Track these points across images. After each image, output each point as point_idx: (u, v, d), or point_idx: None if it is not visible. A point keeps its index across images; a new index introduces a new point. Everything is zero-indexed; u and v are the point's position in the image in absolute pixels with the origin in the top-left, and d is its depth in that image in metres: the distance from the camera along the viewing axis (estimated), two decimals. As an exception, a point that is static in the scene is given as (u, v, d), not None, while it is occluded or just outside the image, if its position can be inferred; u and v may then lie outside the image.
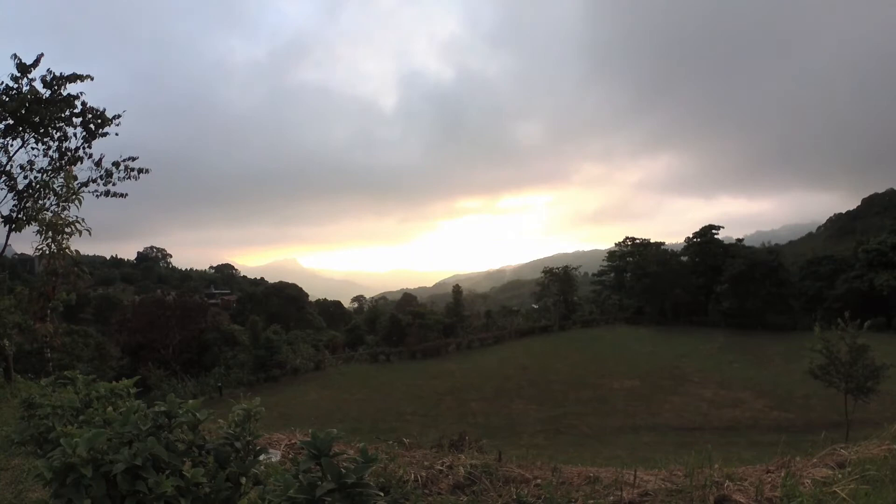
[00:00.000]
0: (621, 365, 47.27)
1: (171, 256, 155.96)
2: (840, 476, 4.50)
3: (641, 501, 4.52)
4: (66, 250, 10.36)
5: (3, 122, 11.33)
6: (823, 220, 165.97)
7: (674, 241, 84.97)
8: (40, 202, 11.38)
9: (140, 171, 12.34)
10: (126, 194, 12.25)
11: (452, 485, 4.88)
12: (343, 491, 2.25)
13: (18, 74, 11.27)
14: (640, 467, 5.27)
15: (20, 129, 11.43)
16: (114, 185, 12.15)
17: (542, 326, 69.40)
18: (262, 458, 3.16)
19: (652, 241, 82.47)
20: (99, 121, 11.95)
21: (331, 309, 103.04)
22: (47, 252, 10.26)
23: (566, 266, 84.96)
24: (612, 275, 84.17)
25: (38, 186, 11.53)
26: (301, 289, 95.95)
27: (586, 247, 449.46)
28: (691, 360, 48.41)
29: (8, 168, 11.61)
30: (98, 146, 12.13)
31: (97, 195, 11.98)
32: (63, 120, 11.67)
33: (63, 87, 11.49)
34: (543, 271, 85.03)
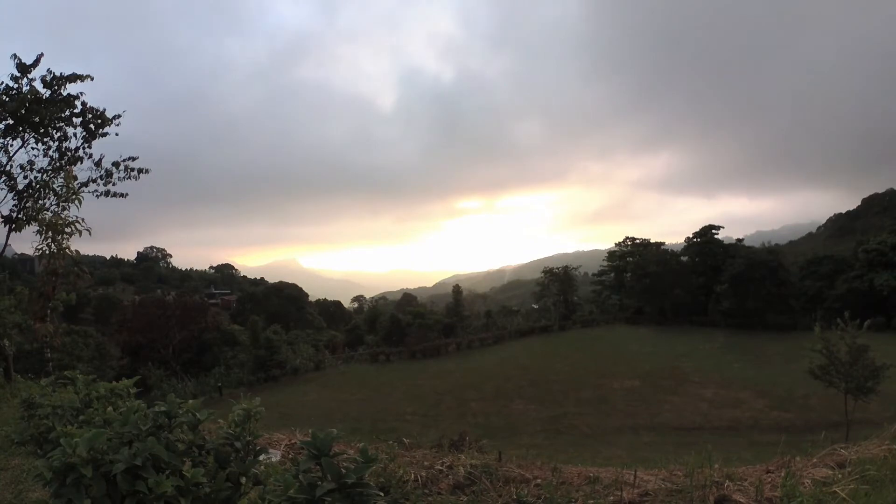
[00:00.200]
0: (621, 365, 47.25)
1: (171, 256, 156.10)
2: (840, 476, 4.50)
3: (641, 501, 4.52)
4: (66, 250, 10.38)
5: (3, 122, 11.33)
6: (823, 220, 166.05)
7: (674, 241, 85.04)
8: (40, 202, 11.39)
9: (140, 171, 12.34)
10: (126, 194, 12.25)
11: (452, 485, 4.88)
12: (343, 491, 2.25)
13: (18, 74, 11.27)
14: (640, 467, 5.27)
15: (20, 129, 11.43)
16: (114, 185, 12.15)
17: (542, 326, 69.37)
18: (262, 458, 3.16)
19: (652, 241, 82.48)
20: (99, 121, 11.95)
21: (331, 309, 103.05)
22: (47, 252, 10.27)
23: (566, 266, 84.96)
24: (612, 275, 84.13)
25: (38, 186, 11.53)
26: (301, 289, 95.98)
27: (586, 247, 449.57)
28: (691, 360, 48.39)
29: (8, 168, 11.61)
30: (98, 146, 12.14)
31: (97, 195, 11.98)
32: (63, 120, 11.67)
33: (63, 87, 11.49)
34: (543, 271, 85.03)
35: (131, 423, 2.74)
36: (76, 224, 10.36)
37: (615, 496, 4.59)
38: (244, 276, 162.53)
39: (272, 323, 63.50)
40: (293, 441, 6.10)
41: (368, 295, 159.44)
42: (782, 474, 4.67)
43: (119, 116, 12.16)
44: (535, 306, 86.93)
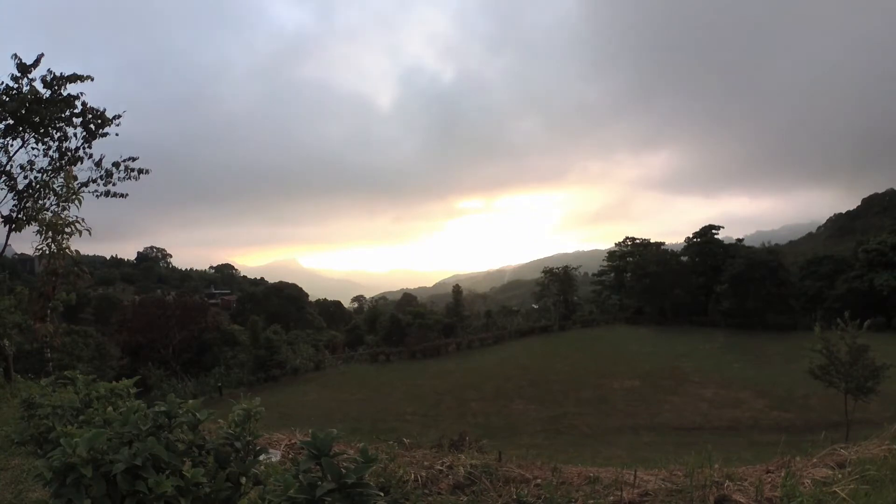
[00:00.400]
0: (621, 365, 47.24)
1: (171, 256, 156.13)
2: (840, 476, 4.50)
3: (641, 501, 4.52)
4: (66, 250, 10.38)
5: (4, 122, 11.33)
6: (823, 220, 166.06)
7: (674, 241, 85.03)
8: (40, 202, 11.39)
9: (140, 171, 12.34)
10: (126, 194, 12.26)
11: (452, 485, 4.88)
12: (343, 491, 2.25)
13: (19, 74, 11.27)
14: (640, 467, 5.27)
15: (20, 129, 11.43)
16: (114, 185, 12.16)
17: (542, 326, 69.35)
18: (262, 458, 3.16)
19: (652, 241, 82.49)
20: (99, 121, 11.95)
21: (331, 309, 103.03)
22: (47, 252, 10.27)
23: (566, 266, 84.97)
24: (612, 275, 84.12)
25: (38, 186, 11.54)
26: (301, 289, 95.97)
27: (586, 247, 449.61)
28: (691, 360, 48.39)
29: (8, 168, 11.61)
30: (98, 146, 12.14)
31: (97, 195, 11.99)
32: (63, 120, 11.67)
33: (63, 88, 11.49)
34: (543, 271, 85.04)
35: (131, 423, 2.74)
36: (76, 224, 10.35)
37: (615, 496, 4.59)
38: (244, 276, 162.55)
39: (272, 323, 63.50)
40: (293, 441, 6.10)
41: (368, 295, 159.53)
42: (782, 474, 4.67)
43: (119, 116, 12.17)
44: (535, 306, 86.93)
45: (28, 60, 11.33)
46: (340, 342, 67.60)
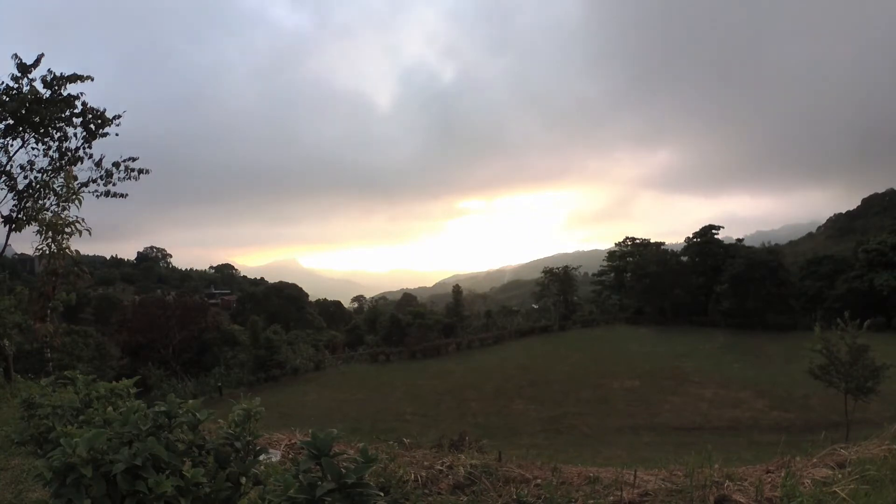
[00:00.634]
0: (621, 365, 47.23)
1: (171, 256, 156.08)
2: (840, 476, 4.50)
3: (641, 501, 4.52)
4: (66, 250, 10.38)
5: (4, 122, 11.34)
6: (823, 220, 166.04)
7: (674, 241, 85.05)
8: (40, 202, 11.40)
9: (140, 171, 12.35)
10: (126, 194, 12.27)
11: (452, 485, 4.88)
12: (343, 491, 2.25)
13: (19, 74, 11.28)
14: (640, 467, 5.27)
15: (20, 129, 11.44)
16: (114, 185, 12.17)
17: (542, 326, 69.34)
18: (262, 458, 3.16)
19: (652, 241, 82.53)
20: (99, 121, 11.95)
21: (331, 309, 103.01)
22: (47, 252, 10.28)
23: (566, 266, 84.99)
24: (612, 275, 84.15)
25: (38, 186, 11.54)
26: (301, 289, 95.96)
27: (586, 247, 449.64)
28: (691, 360, 48.38)
29: (8, 168, 11.61)
30: (98, 146, 12.15)
31: (97, 195, 11.99)
32: (63, 120, 11.68)
33: (63, 88, 11.49)
34: (543, 271, 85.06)
35: (131, 423, 2.74)
36: (76, 224, 10.36)
37: (615, 496, 4.59)
38: (244, 276, 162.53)
39: (272, 323, 63.50)
40: (293, 441, 6.10)
41: (368, 295, 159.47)
42: (782, 474, 4.67)
43: (119, 116, 12.17)
44: (535, 306, 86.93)
45: (28, 60, 11.35)
46: (340, 342, 67.59)
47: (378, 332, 70.56)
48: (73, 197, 10.59)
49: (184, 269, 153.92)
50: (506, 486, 4.82)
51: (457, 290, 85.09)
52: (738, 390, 38.76)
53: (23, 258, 76.61)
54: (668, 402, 37.37)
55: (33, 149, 11.69)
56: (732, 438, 28.17)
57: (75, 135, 11.91)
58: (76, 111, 11.72)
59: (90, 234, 10.44)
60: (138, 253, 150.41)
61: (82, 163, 11.92)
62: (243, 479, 2.94)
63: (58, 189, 11.05)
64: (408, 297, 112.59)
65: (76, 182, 11.07)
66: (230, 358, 52.48)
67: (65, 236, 10.29)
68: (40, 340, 11.17)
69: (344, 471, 2.28)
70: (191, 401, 3.10)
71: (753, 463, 5.92)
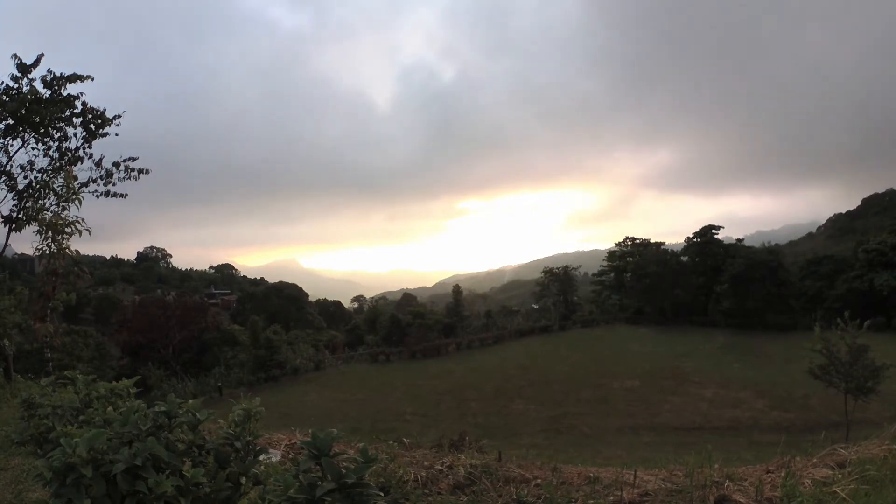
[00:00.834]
0: (621, 365, 47.23)
1: (171, 256, 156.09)
2: (840, 476, 4.50)
3: (641, 501, 4.52)
4: (66, 250, 10.39)
5: (4, 122, 11.34)
6: (823, 220, 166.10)
7: (674, 241, 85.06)
8: (40, 202, 11.40)
9: (140, 171, 12.35)
10: (126, 194, 12.27)
11: (452, 485, 4.89)
12: (343, 491, 2.25)
13: (19, 74, 11.28)
14: (640, 467, 5.28)
15: (20, 129, 11.44)
16: (114, 185, 12.17)
17: (542, 326, 69.36)
18: (262, 458, 3.16)
19: (652, 241, 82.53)
20: (99, 121, 11.96)
21: (331, 309, 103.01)
22: (47, 252, 10.28)
23: (566, 266, 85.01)
24: (612, 275, 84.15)
25: (38, 186, 11.54)
26: (301, 289, 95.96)
27: (586, 247, 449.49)
28: (691, 360, 48.38)
29: (8, 168, 11.62)
30: (98, 146, 12.15)
31: (97, 195, 11.99)
32: (63, 120, 11.68)
33: (63, 88, 11.49)
34: (543, 271, 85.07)
35: (131, 423, 2.74)
36: (76, 224, 10.37)
37: (615, 496, 4.59)
38: (244, 276, 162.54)
39: (272, 323, 63.51)
40: (293, 441, 6.11)
41: (368, 295, 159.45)
42: (782, 474, 4.67)
43: (119, 116, 12.18)
44: (535, 306, 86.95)
45: (28, 60, 11.35)
46: (340, 342, 67.60)
47: (378, 332, 70.57)
48: (73, 197, 10.60)
49: (184, 269, 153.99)
50: (506, 486, 4.82)
51: (457, 290, 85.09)
52: (738, 390, 38.76)
53: (23, 258, 76.61)
54: (668, 402, 37.37)
55: (33, 149, 11.71)
56: (732, 438, 28.17)
57: (75, 135, 11.91)
58: (76, 111, 11.73)
59: (90, 234, 10.45)
60: (138, 253, 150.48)
61: (82, 163, 11.93)
62: (243, 479, 2.94)
63: (58, 189, 11.05)
64: (408, 297, 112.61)
65: (76, 182, 11.08)
66: (230, 358, 52.50)
67: (65, 236, 10.30)
68: (40, 340, 11.17)
69: (344, 471, 2.28)
70: (191, 401, 3.10)
71: (753, 463, 5.92)
